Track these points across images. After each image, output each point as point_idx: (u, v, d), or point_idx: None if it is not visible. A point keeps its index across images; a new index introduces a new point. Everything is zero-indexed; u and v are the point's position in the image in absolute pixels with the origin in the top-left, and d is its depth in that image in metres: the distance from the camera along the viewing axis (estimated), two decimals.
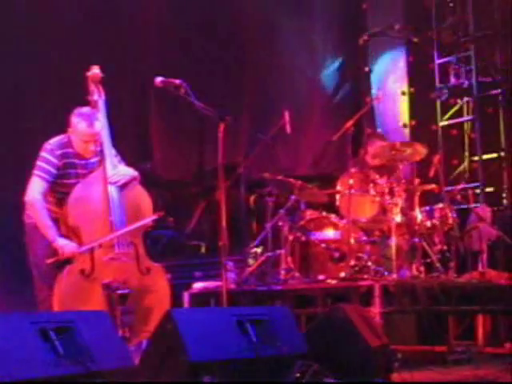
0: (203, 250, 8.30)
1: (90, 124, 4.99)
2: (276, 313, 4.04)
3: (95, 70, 5.16)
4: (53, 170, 4.94)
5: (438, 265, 6.36)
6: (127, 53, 7.47)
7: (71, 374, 3.13)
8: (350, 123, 6.36)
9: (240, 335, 3.76)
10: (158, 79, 4.80)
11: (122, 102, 7.29)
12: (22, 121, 6.74)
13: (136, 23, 7.69)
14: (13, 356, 2.96)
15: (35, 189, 4.92)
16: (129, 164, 5.25)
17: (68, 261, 4.85)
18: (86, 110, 5.06)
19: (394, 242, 6.19)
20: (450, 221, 6.51)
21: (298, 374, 3.85)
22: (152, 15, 7.89)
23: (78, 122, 5.00)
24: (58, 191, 5.00)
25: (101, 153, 5.09)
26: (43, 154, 4.99)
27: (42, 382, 3.02)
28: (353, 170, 6.50)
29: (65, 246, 4.83)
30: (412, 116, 8.60)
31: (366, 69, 8.63)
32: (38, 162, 4.97)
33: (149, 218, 5.06)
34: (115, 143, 5.18)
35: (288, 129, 6.60)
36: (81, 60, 5.71)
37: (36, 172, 4.95)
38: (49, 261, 4.81)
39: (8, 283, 6.23)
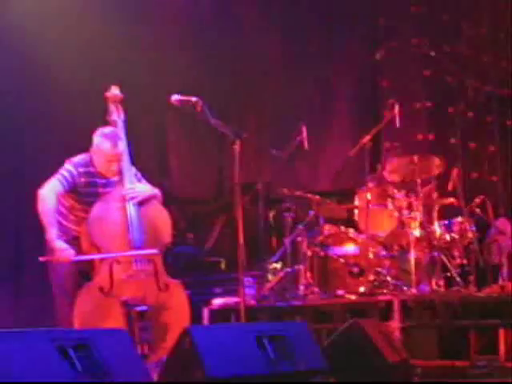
0: (223, 266, 8.32)
1: (114, 144, 5.04)
2: (294, 328, 4.05)
3: (115, 91, 5.22)
4: (71, 181, 4.98)
5: (457, 279, 6.33)
6: (145, 71, 7.53)
7: None
8: (367, 138, 6.38)
9: (258, 351, 3.76)
10: (174, 97, 4.84)
11: (140, 120, 7.35)
12: (48, 139, 6.82)
13: (155, 40, 7.76)
14: (32, 373, 2.99)
15: (51, 186, 4.94)
16: (148, 182, 5.29)
17: (88, 277, 4.90)
18: (109, 130, 5.11)
19: (412, 256, 6.18)
20: (470, 234, 6.49)
21: None
22: (171, 32, 7.96)
23: (101, 142, 5.04)
24: (80, 209, 5.05)
25: (120, 172, 5.14)
26: (66, 165, 5.04)
27: None
28: (371, 184, 6.50)
29: (63, 249, 4.84)
30: (430, 130, 8.59)
31: (384, 83, 8.63)
32: (60, 170, 5.02)
33: (146, 251, 5.00)
34: (134, 161, 5.23)
35: (306, 144, 6.63)
36: (100, 79, 5.77)
37: (56, 175, 5.00)
38: (41, 258, 4.83)
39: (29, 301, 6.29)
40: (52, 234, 4.86)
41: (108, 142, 5.03)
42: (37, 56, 6.88)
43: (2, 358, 2.97)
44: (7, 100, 6.69)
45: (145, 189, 5.15)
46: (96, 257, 4.88)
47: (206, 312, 6.42)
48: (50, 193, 4.92)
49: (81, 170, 5.04)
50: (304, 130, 6.58)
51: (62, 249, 4.84)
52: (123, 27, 7.34)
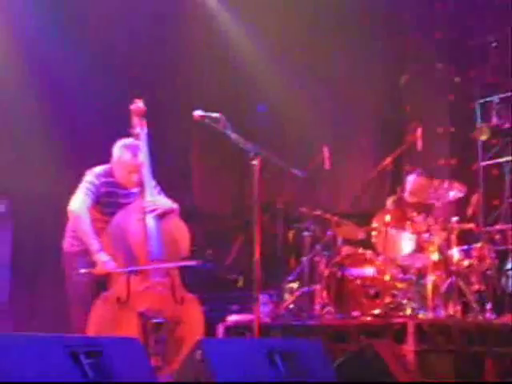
0: (241, 283, 8.35)
1: (135, 155, 5.12)
2: (307, 346, 4.06)
3: (139, 104, 5.30)
4: (96, 192, 5.06)
5: (474, 305, 6.30)
6: (170, 86, 7.62)
7: None
8: (388, 160, 6.40)
9: (269, 367, 3.78)
10: (197, 112, 4.89)
11: (164, 134, 7.43)
12: (70, 150, 6.91)
13: (181, 56, 7.85)
14: (43, 378, 3.03)
15: (81, 201, 5.03)
16: (169, 197, 5.35)
17: (103, 287, 4.94)
18: (129, 141, 5.20)
19: (430, 280, 6.16)
20: (488, 261, 6.46)
21: None
22: (194, 49, 8.05)
23: (122, 152, 5.13)
24: (100, 220, 5.11)
25: (141, 184, 5.20)
26: (88, 177, 5.12)
27: None
28: (390, 206, 6.51)
29: (107, 261, 4.92)
30: (452, 155, 8.59)
31: (407, 107, 8.66)
32: (84, 183, 5.09)
33: (188, 263, 5.12)
34: (156, 175, 5.29)
35: (327, 165, 6.65)
36: (125, 93, 5.85)
37: (82, 188, 5.07)
38: (82, 271, 4.90)
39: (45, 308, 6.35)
40: (96, 246, 4.94)
41: (128, 153, 5.12)
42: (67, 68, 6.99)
43: (15, 362, 3.01)
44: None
45: (165, 202, 5.20)
46: (134, 269, 4.93)
47: (220, 328, 6.44)
48: (82, 208, 5.00)
49: (102, 179, 5.12)
50: (326, 150, 6.61)
51: (105, 261, 4.92)
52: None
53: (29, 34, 6.87)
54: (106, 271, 4.91)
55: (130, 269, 4.92)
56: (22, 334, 3.47)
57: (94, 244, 4.94)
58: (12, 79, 6.78)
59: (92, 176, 5.12)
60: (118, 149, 5.17)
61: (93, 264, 4.99)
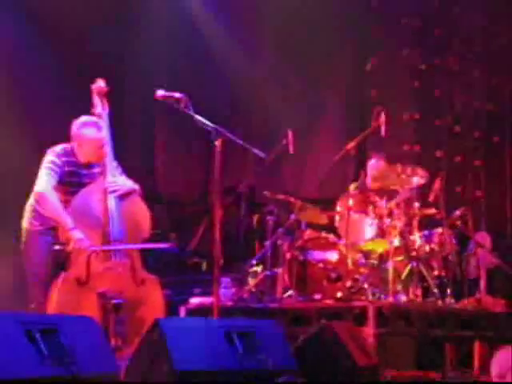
0: (204, 267, 8.35)
1: (99, 129, 5.09)
2: (264, 326, 4.07)
3: (100, 83, 5.26)
4: (59, 171, 5.02)
5: (434, 290, 6.35)
6: (134, 65, 7.56)
7: (54, 376, 3.16)
8: (351, 145, 6.41)
9: (227, 346, 3.79)
10: (159, 92, 4.87)
11: (127, 115, 7.38)
12: (28, 132, 6.82)
13: (144, 35, 7.79)
14: None
15: (46, 181, 4.98)
16: (132, 179, 5.32)
17: (63, 267, 4.91)
18: (86, 118, 5.15)
19: (391, 265, 6.20)
20: (449, 246, 6.52)
21: None
22: (162, 28, 7.99)
23: (84, 129, 5.09)
24: (61, 200, 5.06)
25: (103, 164, 5.17)
26: (49, 157, 5.06)
27: (25, 382, 3.05)
28: (352, 191, 6.53)
29: (81, 239, 4.88)
30: (416, 141, 8.65)
31: (373, 92, 8.69)
32: (46, 163, 5.03)
33: (161, 245, 5.12)
34: (118, 158, 5.26)
35: (291, 149, 6.64)
36: (86, 72, 5.79)
37: (45, 169, 5.02)
38: (56, 247, 4.86)
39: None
40: (69, 224, 4.90)
41: (92, 128, 5.09)
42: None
43: None
44: None
45: (126, 183, 5.18)
46: (112, 248, 4.89)
47: (182, 311, 6.42)
48: (49, 188, 4.97)
49: (64, 158, 5.08)
50: (290, 134, 6.60)
51: (79, 238, 4.87)
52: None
53: None
54: (80, 248, 4.87)
55: (104, 247, 4.90)
56: None
57: (67, 222, 4.90)
58: None
59: (53, 155, 5.07)
60: (79, 126, 5.12)
61: (52, 243, 4.95)
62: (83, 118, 5.15)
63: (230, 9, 8.34)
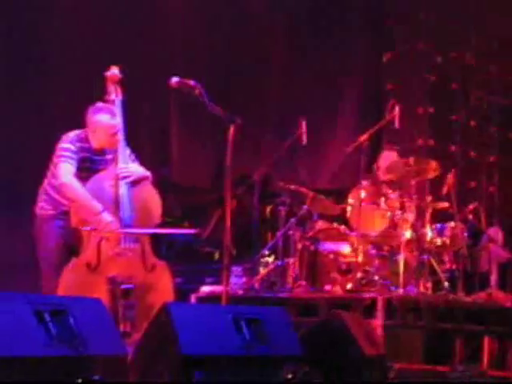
0: (217, 256, 8.37)
1: (113, 115, 5.11)
2: (272, 313, 4.09)
3: (114, 70, 5.26)
4: (76, 158, 5.05)
5: (445, 283, 6.36)
6: (149, 53, 7.57)
7: (62, 356, 3.20)
8: (364, 137, 6.42)
9: (234, 332, 3.80)
10: (173, 79, 4.87)
11: (141, 103, 7.39)
12: (41, 118, 6.85)
13: (160, 23, 7.80)
14: (6, 332, 3.05)
15: (67, 171, 4.99)
16: (146, 167, 5.33)
17: (74, 251, 4.96)
18: (101, 104, 5.18)
19: (402, 257, 6.21)
20: (461, 240, 6.52)
21: (291, 375, 3.88)
22: (177, 16, 8.00)
23: (98, 115, 5.11)
24: None
25: (115, 151, 5.19)
26: (64, 144, 5.08)
27: (32, 360, 3.09)
28: (365, 183, 6.54)
29: (110, 222, 4.91)
30: (431, 135, 8.63)
31: (388, 85, 8.68)
32: (61, 152, 5.05)
33: (186, 231, 5.12)
34: (132, 144, 5.29)
35: (304, 139, 6.66)
36: (100, 59, 5.82)
37: (61, 158, 5.02)
38: (87, 228, 4.89)
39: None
40: (98, 207, 4.92)
41: (105, 115, 5.11)
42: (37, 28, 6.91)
43: None
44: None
45: (138, 169, 5.20)
46: (137, 231, 4.92)
47: (193, 299, 6.46)
48: (70, 177, 4.98)
49: (78, 144, 5.10)
50: (303, 125, 6.61)
51: (110, 221, 4.91)
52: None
53: None
54: (110, 231, 4.90)
55: (132, 230, 4.92)
56: None
57: (96, 206, 4.93)
58: None
59: (68, 142, 5.09)
60: (94, 112, 5.15)
61: (67, 227, 4.99)
62: (98, 105, 5.18)
63: None
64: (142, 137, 7.56)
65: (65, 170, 4.99)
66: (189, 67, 7.54)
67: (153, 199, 5.21)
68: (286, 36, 8.59)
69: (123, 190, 5.06)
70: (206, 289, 6.68)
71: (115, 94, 5.22)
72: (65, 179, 4.98)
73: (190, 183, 8.73)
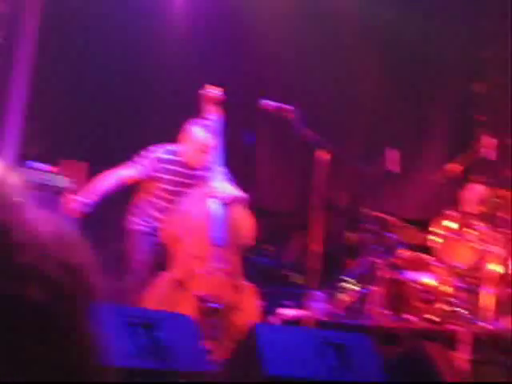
0: (298, 280, 8.37)
1: (207, 133, 5.20)
2: (358, 340, 4.08)
3: (213, 91, 5.36)
4: (149, 168, 5.15)
5: None
6: (246, 76, 7.67)
7: (152, 369, 3.27)
8: (454, 167, 6.35)
9: (319, 356, 3.82)
10: (266, 102, 4.93)
11: (232, 124, 7.50)
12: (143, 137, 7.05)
13: (255, 47, 7.91)
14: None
15: (121, 169, 5.15)
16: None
17: (163, 267, 5.05)
18: (200, 120, 5.27)
19: (490, 292, 6.09)
20: None
21: None
22: (272, 40, 8.10)
23: (196, 131, 5.21)
24: (162, 198, 5.19)
25: (209, 169, 5.27)
26: (145, 153, 5.22)
27: (121, 371, 3.17)
28: (453, 214, 6.45)
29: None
30: None
31: (480, 115, 8.55)
32: (137, 156, 5.20)
33: None
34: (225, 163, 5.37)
35: (392, 167, 6.63)
36: (201, 80, 5.94)
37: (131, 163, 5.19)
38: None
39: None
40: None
41: (202, 132, 5.20)
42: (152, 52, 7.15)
43: None
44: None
45: (232, 190, 5.26)
46: None
47: (274, 321, 6.47)
48: (118, 171, 5.13)
49: (159, 155, 5.19)
50: (392, 153, 6.59)
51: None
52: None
53: None
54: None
55: None
56: None
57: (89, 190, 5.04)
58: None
59: (150, 151, 5.21)
60: (193, 127, 5.25)
61: (157, 243, 5.10)
62: (199, 121, 5.28)
63: (332, 24, 8.36)
64: (231, 155, 7.67)
65: (121, 168, 5.10)
66: (280, 92, 7.62)
67: (244, 221, 5.25)
68: (376, 63, 8.58)
69: (216, 209, 5.12)
70: (287, 312, 6.69)
71: (212, 114, 5.30)
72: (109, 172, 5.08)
73: (274, 206, 8.77)
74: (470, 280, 6.43)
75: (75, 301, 0.55)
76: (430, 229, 6.63)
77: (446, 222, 6.42)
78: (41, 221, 0.54)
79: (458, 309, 6.14)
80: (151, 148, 5.25)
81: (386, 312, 6.26)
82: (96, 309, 0.57)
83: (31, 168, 5.35)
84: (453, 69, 8.63)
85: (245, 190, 6.44)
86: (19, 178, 0.56)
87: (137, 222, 5.28)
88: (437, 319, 6.00)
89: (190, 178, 5.26)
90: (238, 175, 7.68)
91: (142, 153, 5.21)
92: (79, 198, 4.98)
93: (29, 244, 0.52)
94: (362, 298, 6.57)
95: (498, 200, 6.33)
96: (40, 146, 6.48)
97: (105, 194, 5.08)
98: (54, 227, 0.56)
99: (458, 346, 5.46)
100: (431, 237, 6.61)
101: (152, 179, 5.19)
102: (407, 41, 8.40)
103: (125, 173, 5.15)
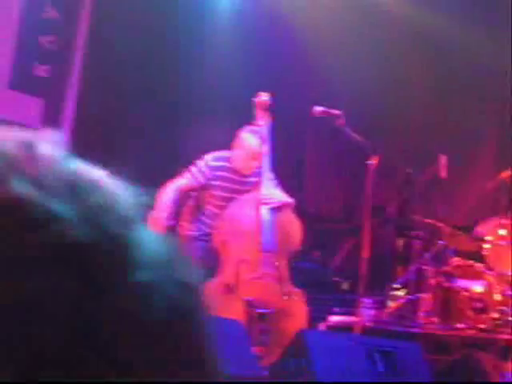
0: (346, 287, 8.33)
1: (261, 142, 5.22)
2: (407, 347, 4.06)
3: (263, 97, 5.38)
4: (200, 176, 5.20)
5: None
6: (294, 81, 7.70)
7: None
8: (506, 173, 6.27)
9: (368, 363, 3.81)
10: (317, 108, 4.94)
11: (284, 129, 7.53)
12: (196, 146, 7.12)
13: (307, 54, 7.93)
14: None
15: (179, 178, 5.20)
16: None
17: (213, 272, 5.09)
18: (258, 128, 5.29)
19: None
20: None
21: None
22: (324, 48, 8.12)
23: (248, 137, 5.24)
24: (213, 204, 5.24)
25: (259, 175, 5.29)
26: (198, 161, 5.27)
27: None
28: (505, 220, 6.37)
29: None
30: None
31: None
32: (192, 167, 5.25)
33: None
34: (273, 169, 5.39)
35: (443, 174, 6.58)
36: (252, 86, 5.97)
37: (186, 173, 5.24)
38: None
39: None
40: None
41: (255, 139, 5.22)
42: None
43: None
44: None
45: (280, 196, 5.28)
46: None
47: (322, 327, 6.46)
48: (175, 184, 5.16)
49: (212, 163, 5.23)
50: (443, 159, 6.53)
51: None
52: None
53: None
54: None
55: None
56: None
57: (161, 205, 5.05)
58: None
59: (201, 161, 5.25)
60: (245, 133, 5.27)
61: (207, 249, 5.14)
62: (253, 127, 5.30)
63: (383, 31, 8.34)
64: (281, 161, 7.70)
65: (178, 178, 5.15)
66: (330, 98, 7.62)
67: (293, 226, 5.27)
68: (427, 71, 8.53)
69: (265, 215, 5.14)
70: (334, 318, 6.67)
71: (263, 121, 5.32)
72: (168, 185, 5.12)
73: (322, 212, 8.75)
74: None
75: (195, 318, 0.55)
76: (480, 236, 6.56)
77: (497, 230, 6.34)
78: (153, 238, 0.55)
79: (509, 317, 6.05)
80: (205, 156, 5.29)
81: (435, 320, 6.21)
82: (211, 324, 0.57)
83: None
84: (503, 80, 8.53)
85: (294, 195, 6.47)
86: (130, 193, 0.57)
87: (189, 228, 5.32)
88: (488, 328, 5.92)
89: (241, 184, 5.29)
90: (287, 181, 7.74)
91: (197, 161, 5.26)
92: (157, 214, 5.04)
93: (148, 262, 0.53)
94: (412, 305, 6.52)
95: None
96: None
97: (173, 206, 5.12)
98: (166, 245, 0.57)
99: (510, 355, 5.39)
100: (486, 245, 6.53)
101: (206, 186, 5.23)
102: (460, 51, 8.33)
103: (182, 182, 5.20)
